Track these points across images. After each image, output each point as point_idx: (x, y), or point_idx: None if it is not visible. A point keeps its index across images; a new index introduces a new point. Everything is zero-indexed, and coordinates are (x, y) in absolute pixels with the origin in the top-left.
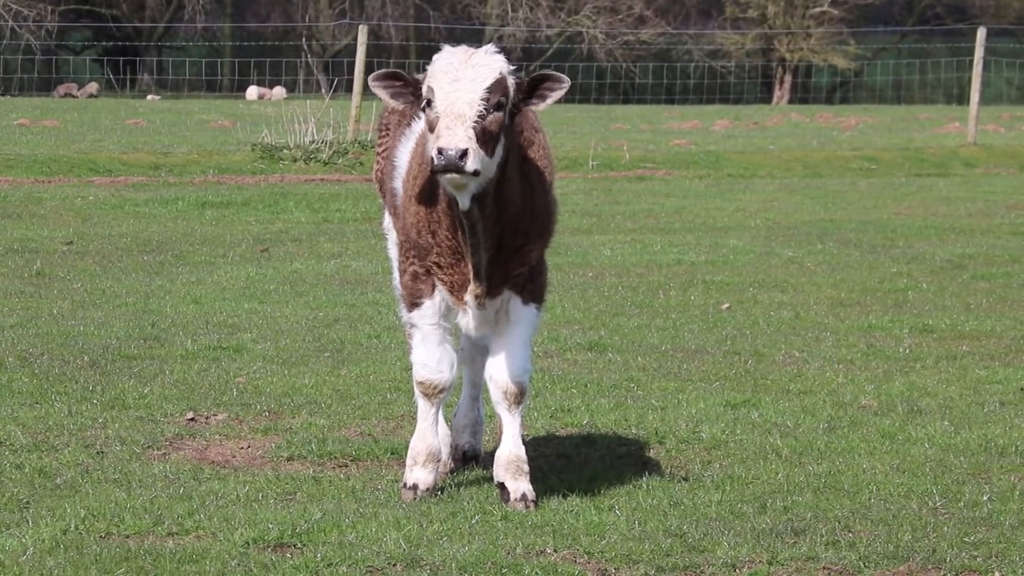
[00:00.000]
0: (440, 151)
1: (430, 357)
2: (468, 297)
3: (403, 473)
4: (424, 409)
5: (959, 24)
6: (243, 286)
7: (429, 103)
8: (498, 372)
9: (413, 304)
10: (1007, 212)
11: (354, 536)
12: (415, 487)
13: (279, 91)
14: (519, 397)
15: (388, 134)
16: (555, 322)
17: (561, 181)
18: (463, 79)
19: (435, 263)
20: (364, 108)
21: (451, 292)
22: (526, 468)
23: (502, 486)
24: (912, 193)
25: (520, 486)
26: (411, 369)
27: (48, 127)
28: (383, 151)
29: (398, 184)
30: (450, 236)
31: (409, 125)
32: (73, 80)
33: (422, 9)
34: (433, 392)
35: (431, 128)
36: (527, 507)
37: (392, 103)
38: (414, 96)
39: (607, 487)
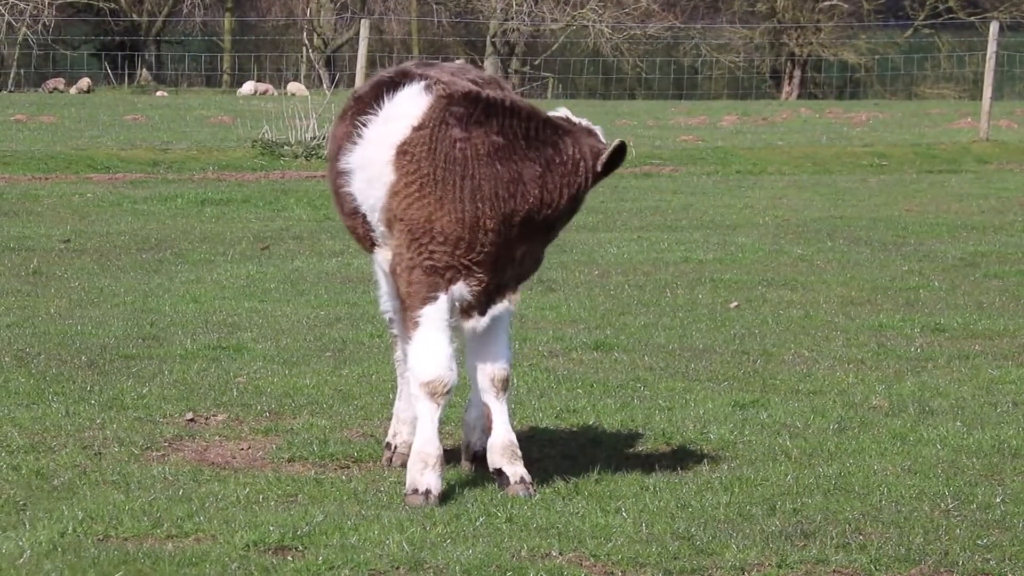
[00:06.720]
0: None
1: (442, 353)
2: (507, 301)
3: (407, 478)
4: (430, 411)
5: (971, 18)
6: (243, 284)
7: None
8: (484, 362)
9: (428, 298)
10: (1020, 209)
11: (356, 539)
12: (428, 492)
13: (298, 87)
14: (505, 384)
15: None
16: (560, 321)
17: None
18: None
19: (475, 261)
20: None
21: (481, 292)
22: (519, 452)
23: (500, 472)
24: (923, 190)
25: (517, 469)
26: (409, 371)
27: (45, 123)
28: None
29: (347, 180)
30: (496, 236)
31: (367, 112)
32: (67, 74)
33: (425, 3)
34: (442, 391)
35: None
36: (527, 490)
37: None
38: None
39: (613, 489)
